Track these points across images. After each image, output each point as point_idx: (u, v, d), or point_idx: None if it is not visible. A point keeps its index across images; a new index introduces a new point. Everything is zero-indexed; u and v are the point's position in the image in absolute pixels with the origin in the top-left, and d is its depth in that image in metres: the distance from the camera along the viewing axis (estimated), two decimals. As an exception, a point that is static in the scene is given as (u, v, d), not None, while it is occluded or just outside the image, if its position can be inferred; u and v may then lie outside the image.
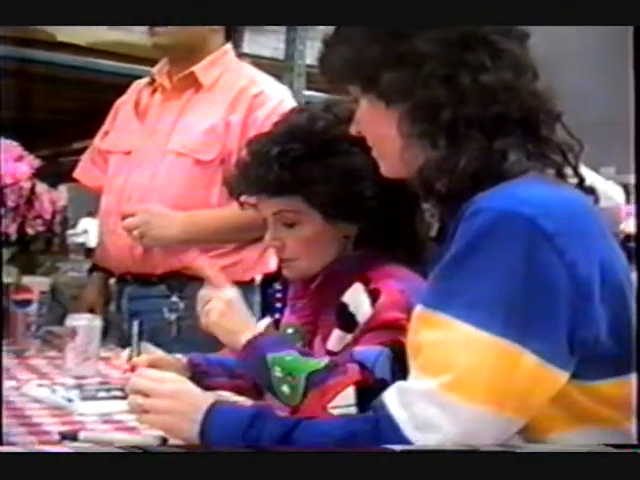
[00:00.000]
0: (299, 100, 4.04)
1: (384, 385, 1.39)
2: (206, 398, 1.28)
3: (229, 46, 2.48)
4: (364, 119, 1.31)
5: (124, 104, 2.56)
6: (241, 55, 2.58)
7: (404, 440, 1.09)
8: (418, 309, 1.16)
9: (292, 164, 1.54)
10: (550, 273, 1.08)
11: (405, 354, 1.37)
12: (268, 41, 4.34)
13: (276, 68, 3.74)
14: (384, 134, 1.27)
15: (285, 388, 1.43)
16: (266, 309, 1.93)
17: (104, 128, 2.59)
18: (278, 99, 2.38)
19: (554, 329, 1.09)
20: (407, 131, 1.22)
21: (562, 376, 1.10)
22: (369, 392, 1.37)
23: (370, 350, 1.47)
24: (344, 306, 1.55)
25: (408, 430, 1.09)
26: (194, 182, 2.33)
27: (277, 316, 1.84)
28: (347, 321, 1.54)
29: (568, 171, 1.23)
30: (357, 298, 1.53)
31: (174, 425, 1.26)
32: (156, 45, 2.41)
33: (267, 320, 1.59)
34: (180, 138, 2.36)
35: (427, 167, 1.20)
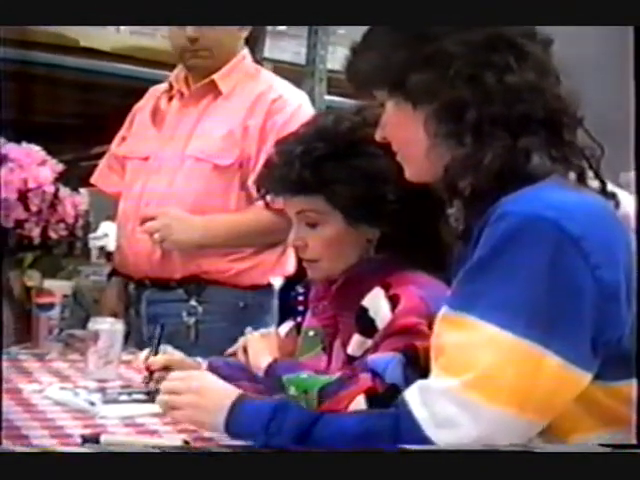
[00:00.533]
0: (320, 105, 4.05)
1: (396, 391, 1.40)
2: (229, 393, 1.32)
3: (246, 51, 2.50)
4: (390, 122, 1.32)
5: (141, 110, 2.57)
6: (262, 60, 2.60)
7: (424, 438, 1.10)
8: (443, 311, 1.18)
9: (315, 163, 1.55)
10: (575, 276, 1.10)
11: (419, 358, 1.39)
12: (289, 46, 4.35)
13: (297, 73, 3.75)
14: (410, 136, 1.28)
15: (302, 404, 1.44)
16: (286, 313, 1.93)
17: (121, 133, 2.60)
18: (297, 104, 2.39)
19: (578, 331, 1.10)
20: (434, 131, 1.24)
21: (585, 378, 1.11)
22: (381, 399, 1.39)
23: (382, 357, 1.47)
24: (364, 310, 1.55)
25: (428, 428, 1.10)
26: (212, 187, 2.34)
27: (299, 319, 1.84)
28: (366, 326, 1.54)
29: (590, 175, 1.23)
30: (377, 303, 1.54)
31: (200, 420, 1.34)
32: (195, 67, 2.42)
33: (289, 324, 1.61)
34: (198, 144, 2.37)
35: (452, 165, 1.22)
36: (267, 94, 2.39)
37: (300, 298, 1.82)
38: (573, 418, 1.13)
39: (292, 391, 1.48)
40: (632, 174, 1.18)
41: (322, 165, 1.55)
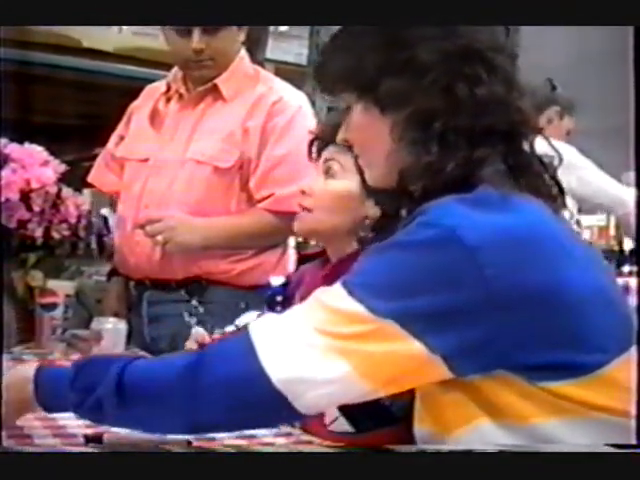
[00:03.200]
0: (321, 105, 4.05)
1: None
2: (23, 373, 1.32)
3: (244, 52, 2.49)
4: (355, 125, 1.34)
5: (138, 109, 2.56)
6: (264, 61, 2.60)
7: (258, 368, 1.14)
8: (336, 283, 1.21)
9: None
10: (461, 284, 1.13)
11: None
12: (291, 47, 4.35)
13: (299, 74, 3.75)
14: (374, 140, 1.30)
15: None
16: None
17: (118, 132, 2.60)
18: (297, 106, 2.39)
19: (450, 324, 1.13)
20: (399, 137, 1.26)
21: (442, 368, 1.14)
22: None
23: None
24: None
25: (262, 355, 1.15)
26: (213, 189, 2.34)
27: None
28: None
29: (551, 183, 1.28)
30: None
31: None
32: (201, 76, 2.41)
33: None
34: (199, 146, 2.36)
35: (411, 170, 1.24)
36: (267, 96, 2.38)
37: (278, 298, 1.82)
38: (523, 408, 1.16)
39: None
40: (632, 174, 1.18)
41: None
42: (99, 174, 2.64)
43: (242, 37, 2.45)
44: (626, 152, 1.25)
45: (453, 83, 1.22)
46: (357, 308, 1.14)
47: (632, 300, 1.60)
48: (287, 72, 2.64)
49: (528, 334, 1.14)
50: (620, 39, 1.22)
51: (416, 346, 1.12)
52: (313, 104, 2.65)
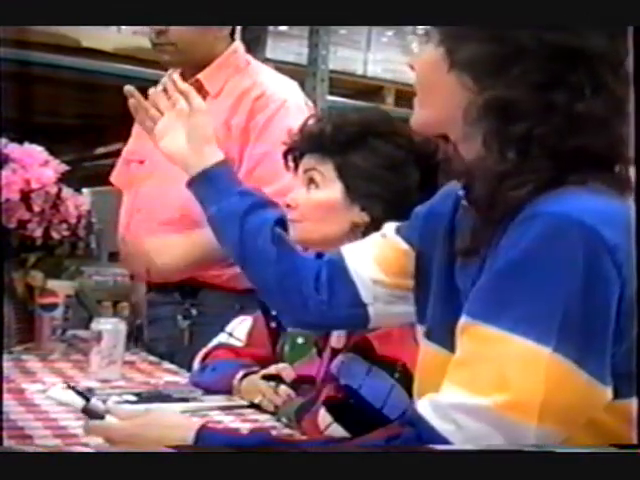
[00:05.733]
0: (322, 105, 4.05)
1: (350, 391, 1.43)
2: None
3: (235, 46, 2.43)
4: (424, 63, 1.20)
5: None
6: (264, 61, 2.58)
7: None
8: (463, 320, 1.08)
9: (345, 133, 1.62)
10: (609, 288, 1.02)
11: (373, 350, 1.46)
12: (291, 46, 4.34)
13: (299, 73, 3.75)
14: (441, 93, 1.17)
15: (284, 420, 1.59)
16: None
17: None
18: (280, 100, 2.30)
19: (605, 347, 1.03)
20: (472, 118, 1.12)
21: (608, 394, 1.05)
22: (338, 404, 1.47)
23: (338, 359, 1.51)
24: None
25: (458, 442, 1.03)
26: None
27: (273, 325, 1.83)
28: None
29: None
30: None
31: None
32: (166, 63, 2.41)
33: (246, 323, 1.67)
34: None
35: (476, 169, 1.12)
36: (250, 91, 2.32)
37: None
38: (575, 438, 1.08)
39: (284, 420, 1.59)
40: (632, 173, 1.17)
41: (350, 137, 1.60)
42: (118, 174, 2.61)
43: (224, 32, 2.39)
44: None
45: (549, 84, 1.09)
46: None
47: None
48: (287, 72, 2.61)
49: (626, 336, 1.04)
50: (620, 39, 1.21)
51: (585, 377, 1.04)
52: (314, 104, 2.64)
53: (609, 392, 1.05)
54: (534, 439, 1.03)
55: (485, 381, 1.03)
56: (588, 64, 1.10)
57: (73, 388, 1.41)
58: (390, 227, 1.39)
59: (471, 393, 1.03)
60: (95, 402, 1.28)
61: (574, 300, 1.02)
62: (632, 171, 1.13)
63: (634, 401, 1.08)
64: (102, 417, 1.25)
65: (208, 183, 1.52)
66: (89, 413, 1.26)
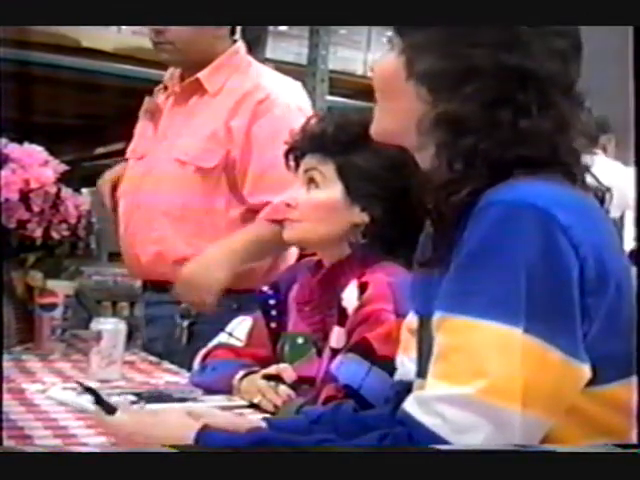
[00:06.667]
0: (322, 105, 4.05)
1: (350, 391, 1.43)
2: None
3: (237, 47, 2.42)
4: (383, 71, 1.24)
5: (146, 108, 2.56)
6: (264, 61, 2.58)
7: (443, 443, 1.06)
8: (436, 315, 1.11)
9: (347, 134, 1.62)
10: (567, 266, 1.05)
11: (374, 350, 1.45)
12: (291, 46, 4.34)
13: (299, 73, 3.75)
14: (399, 99, 1.21)
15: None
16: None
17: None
18: (285, 103, 2.29)
19: (572, 323, 1.06)
20: (425, 128, 1.16)
21: (584, 371, 1.07)
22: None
23: (337, 360, 1.53)
24: (339, 301, 1.58)
25: (447, 434, 1.05)
26: (197, 190, 2.28)
27: (273, 325, 1.83)
28: (341, 316, 1.57)
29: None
30: (349, 292, 1.56)
31: None
32: (166, 62, 2.42)
33: (246, 323, 1.68)
34: (183, 146, 2.32)
35: (428, 175, 1.17)
36: (253, 93, 2.30)
37: (272, 302, 1.81)
38: (562, 429, 1.09)
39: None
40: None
41: (351, 138, 1.60)
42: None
43: (223, 32, 2.39)
44: (626, 152, 1.24)
45: (498, 102, 1.13)
46: None
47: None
48: (287, 72, 2.61)
49: (594, 317, 1.08)
50: (620, 39, 1.21)
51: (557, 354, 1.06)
52: (313, 104, 2.64)
53: (587, 370, 1.07)
54: (521, 428, 1.05)
55: (464, 370, 1.05)
56: (539, 85, 1.14)
57: (81, 384, 1.43)
58: None
59: (452, 384, 1.06)
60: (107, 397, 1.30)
61: (535, 280, 1.05)
62: (632, 171, 1.15)
63: (621, 388, 1.09)
64: (114, 411, 1.27)
65: None
66: (104, 406, 1.29)
